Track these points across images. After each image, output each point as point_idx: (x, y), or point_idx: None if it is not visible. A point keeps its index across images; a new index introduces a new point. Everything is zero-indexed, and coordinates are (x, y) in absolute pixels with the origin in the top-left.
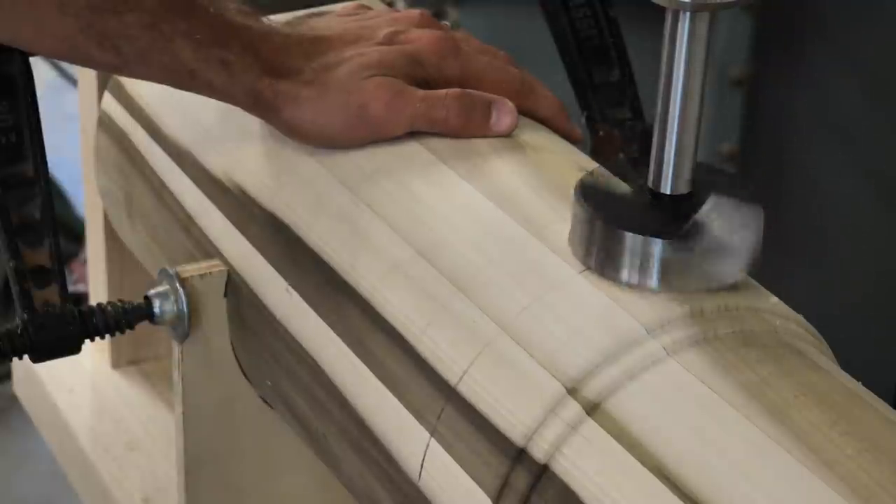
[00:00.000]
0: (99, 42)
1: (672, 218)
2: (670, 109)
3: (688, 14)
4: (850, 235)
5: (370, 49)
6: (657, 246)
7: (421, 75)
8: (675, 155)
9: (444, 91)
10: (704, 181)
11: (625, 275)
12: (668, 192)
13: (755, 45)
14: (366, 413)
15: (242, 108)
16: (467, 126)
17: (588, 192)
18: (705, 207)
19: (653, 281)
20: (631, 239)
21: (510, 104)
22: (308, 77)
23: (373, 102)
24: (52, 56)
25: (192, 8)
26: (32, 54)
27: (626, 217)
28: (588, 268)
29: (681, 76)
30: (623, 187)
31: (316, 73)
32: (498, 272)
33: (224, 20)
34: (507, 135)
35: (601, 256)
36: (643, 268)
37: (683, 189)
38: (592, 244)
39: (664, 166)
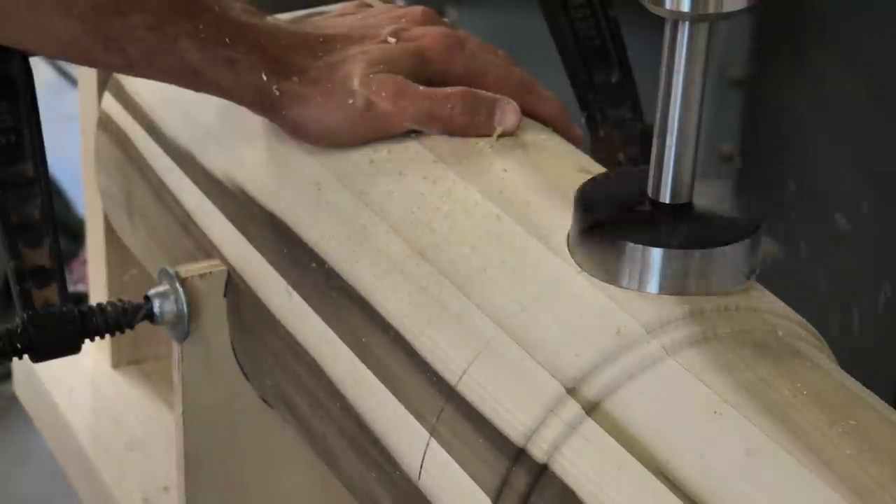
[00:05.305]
0: (104, 44)
1: (672, 227)
2: (669, 118)
3: (687, 24)
4: (851, 235)
5: (374, 47)
6: (656, 255)
7: (425, 73)
8: (675, 163)
9: (448, 89)
10: (705, 189)
11: (624, 282)
12: (667, 202)
13: (755, 45)
14: (366, 413)
15: (248, 107)
16: (471, 125)
17: (588, 200)
18: (705, 216)
19: (652, 288)
20: (630, 248)
21: (514, 103)
22: (313, 76)
23: (377, 100)
24: (58, 58)
25: (197, 8)
26: (37, 55)
27: (626, 226)
28: (587, 271)
29: (680, 85)
30: (623, 195)
31: (321, 72)
32: (497, 272)
33: (229, 19)
34: (510, 134)
35: (601, 264)
36: (642, 276)
37: (683, 198)
38: (592, 252)
39: (664, 175)
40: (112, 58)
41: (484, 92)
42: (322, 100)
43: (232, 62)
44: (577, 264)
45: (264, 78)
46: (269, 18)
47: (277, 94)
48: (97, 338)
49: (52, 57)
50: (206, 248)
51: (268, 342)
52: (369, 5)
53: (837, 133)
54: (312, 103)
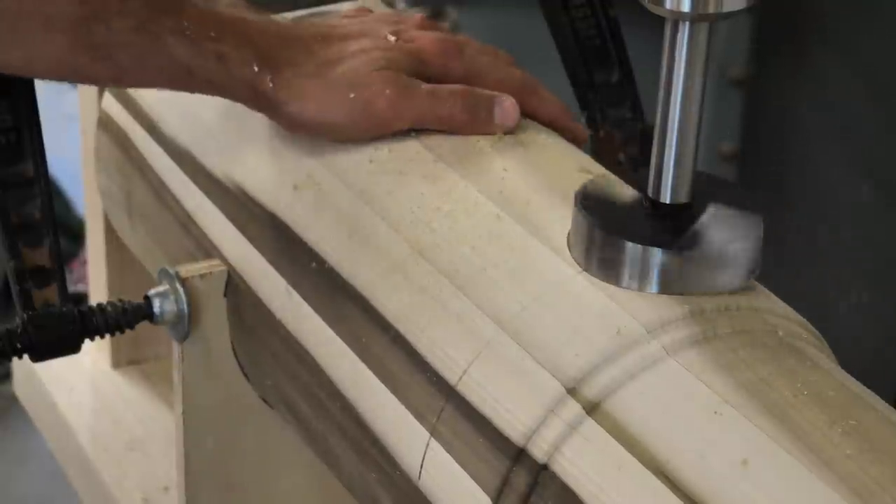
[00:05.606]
0: (91, 55)
1: (671, 227)
2: (669, 118)
3: (687, 24)
4: (850, 235)
5: (374, 45)
6: (656, 255)
7: (424, 75)
8: (675, 164)
9: (448, 87)
10: (705, 190)
11: (624, 282)
12: (667, 202)
13: (755, 45)
14: (366, 413)
15: (243, 102)
16: (471, 122)
17: (588, 200)
18: (705, 216)
19: (652, 288)
20: (630, 248)
21: (513, 101)
22: (310, 70)
23: (379, 97)
24: (50, 78)
25: (179, 5)
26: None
27: (626, 226)
28: (587, 271)
29: (680, 85)
30: (623, 195)
31: (319, 68)
32: (498, 272)
33: (214, 13)
34: (510, 132)
35: (601, 264)
36: (643, 276)
37: (683, 198)
38: (592, 252)
39: (663, 175)
40: (102, 68)
41: (483, 90)
42: (320, 94)
43: (222, 56)
44: (578, 264)
45: (256, 70)
46: (265, 16)
47: (271, 88)
48: (97, 338)
49: (42, 77)
50: (206, 248)
51: (268, 342)
52: (369, 10)
53: (837, 133)
54: (310, 98)
